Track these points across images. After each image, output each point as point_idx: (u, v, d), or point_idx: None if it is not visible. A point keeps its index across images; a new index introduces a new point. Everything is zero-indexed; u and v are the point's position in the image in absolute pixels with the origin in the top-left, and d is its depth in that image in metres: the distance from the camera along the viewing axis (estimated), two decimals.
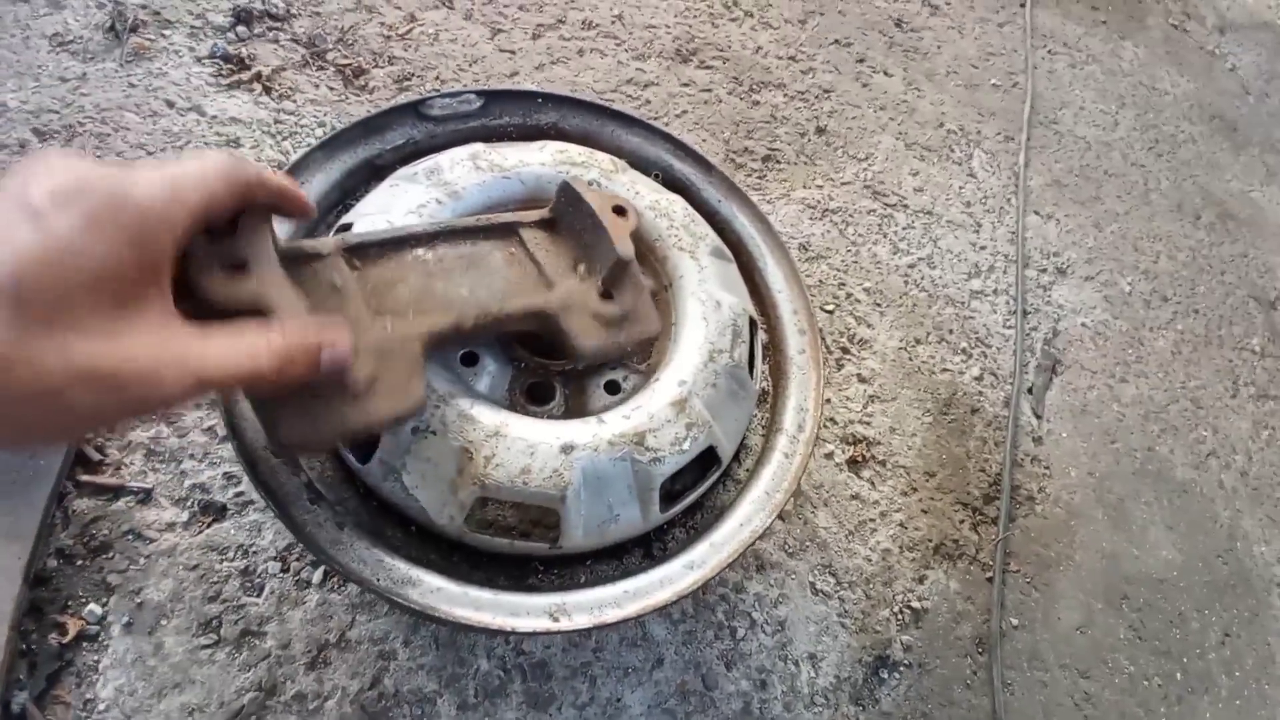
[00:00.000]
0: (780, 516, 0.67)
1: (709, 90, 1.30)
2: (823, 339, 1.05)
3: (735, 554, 0.62)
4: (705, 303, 0.69)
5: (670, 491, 0.63)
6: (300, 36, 1.08)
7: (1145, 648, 1.09)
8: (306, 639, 0.71)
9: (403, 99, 0.90)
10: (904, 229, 1.29)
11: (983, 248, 1.34)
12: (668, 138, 0.84)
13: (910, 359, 1.15)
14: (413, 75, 1.10)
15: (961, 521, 1.06)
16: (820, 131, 1.35)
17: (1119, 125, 1.74)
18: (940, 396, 1.14)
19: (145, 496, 0.73)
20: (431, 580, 0.55)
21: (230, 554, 0.72)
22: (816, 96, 1.40)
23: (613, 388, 0.66)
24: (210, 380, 0.33)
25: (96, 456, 0.72)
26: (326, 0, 1.13)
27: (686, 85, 1.29)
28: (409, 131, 0.76)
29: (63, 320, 0.28)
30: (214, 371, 0.33)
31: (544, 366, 0.65)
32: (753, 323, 0.73)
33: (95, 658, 0.66)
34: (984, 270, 1.31)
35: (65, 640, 0.65)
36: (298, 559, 0.74)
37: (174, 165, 0.35)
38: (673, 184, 0.83)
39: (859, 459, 1.03)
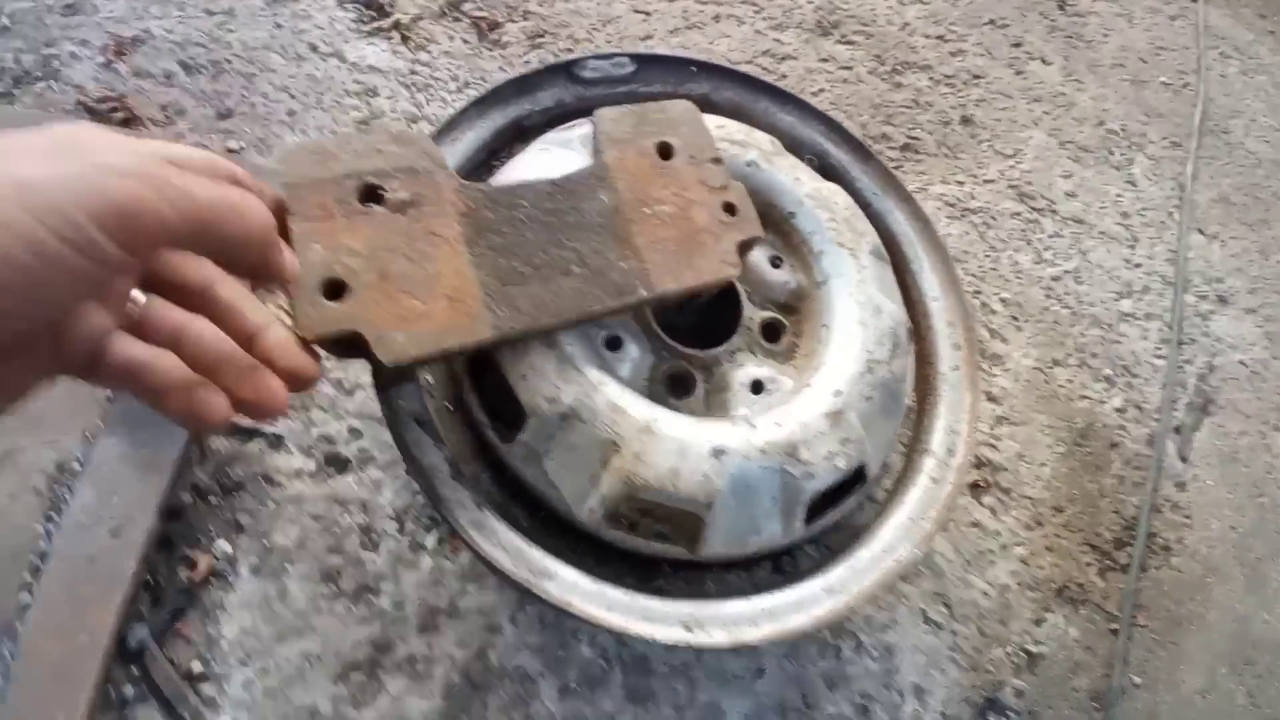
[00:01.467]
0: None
1: (849, 68, 1.21)
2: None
3: (879, 584, 0.58)
4: (864, 306, 0.63)
5: (810, 506, 0.59)
6: None
7: (1258, 715, 0.99)
8: (419, 602, 0.71)
9: (554, 60, 0.86)
10: (1050, 237, 1.17)
11: (1137, 265, 1.21)
12: (824, 118, 0.77)
13: (1046, 381, 1.05)
14: (545, 33, 1.06)
15: (1088, 564, 0.97)
16: (966, 121, 1.23)
17: None
18: (1076, 426, 1.04)
19: (276, 441, 0.74)
20: (567, 574, 0.53)
21: (351, 508, 0.73)
22: (965, 82, 1.28)
23: (758, 387, 0.61)
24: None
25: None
26: None
27: (825, 61, 1.20)
28: (559, 93, 0.72)
29: None
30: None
31: (686, 356, 0.61)
32: (909, 333, 0.66)
33: (223, 595, 0.67)
34: (1136, 290, 1.18)
35: (196, 576, 0.67)
36: (413, 521, 0.74)
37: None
38: (825, 169, 0.76)
39: (982, 484, 0.95)
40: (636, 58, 0.74)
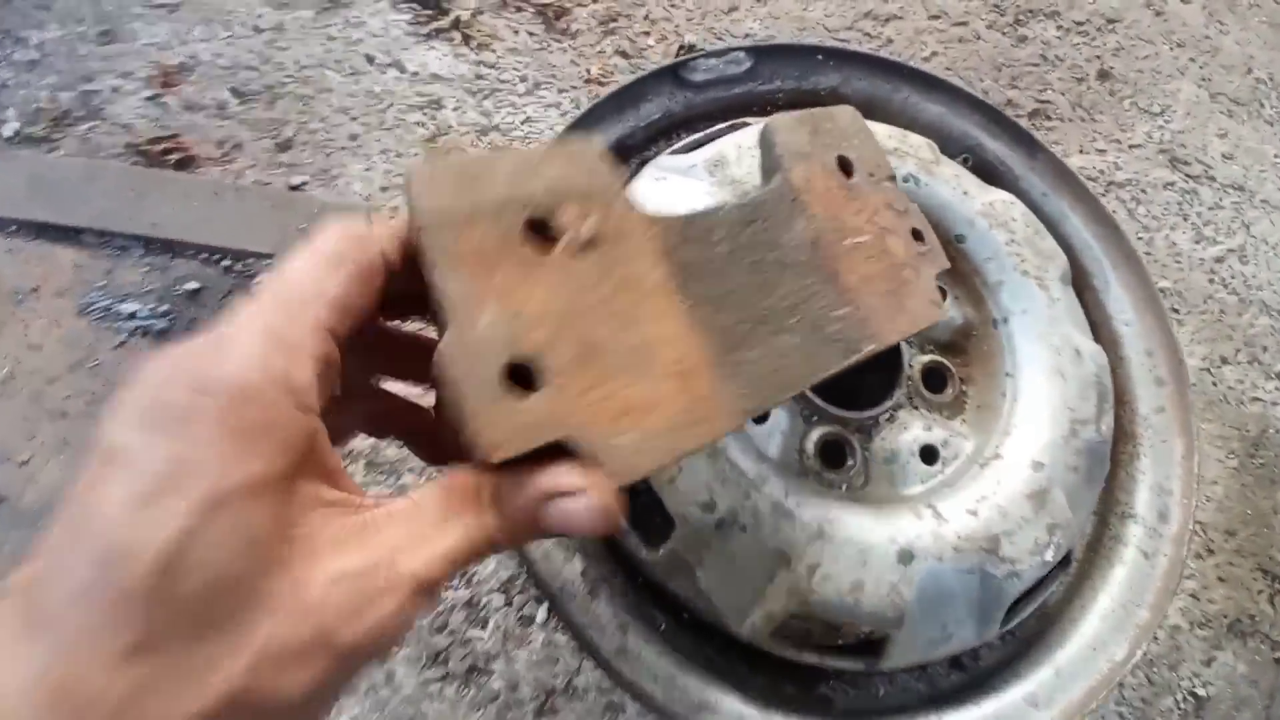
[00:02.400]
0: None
1: (963, 24, 1.04)
2: None
3: (1094, 695, 0.48)
4: (1060, 351, 0.52)
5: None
6: None
7: None
8: (534, 682, 0.65)
9: (659, 63, 0.74)
10: (1210, 210, 1.01)
11: None
12: (980, 105, 0.65)
13: (1214, 383, 0.91)
14: (619, 15, 0.93)
15: (1260, 592, 0.85)
16: (1103, 76, 1.06)
17: None
18: (1248, 434, 0.90)
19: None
20: (730, 705, 0.45)
21: (454, 581, 0.67)
22: (1099, 29, 1.09)
23: (930, 455, 0.51)
24: (436, 581, 0.23)
25: None
26: None
27: (935, 18, 1.03)
28: (665, 103, 0.61)
29: (182, 617, 0.19)
30: (436, 565, 0.23)
31: (838, 419, 0.52)
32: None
33: None
34: None
35: None
36: (520, 592, 0.68)
37: (271, 291, 0.24)
38: (982, 169, 0.64)
39: None
40: (753, 51, 0.62)
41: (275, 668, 0.20)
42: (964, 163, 0.63)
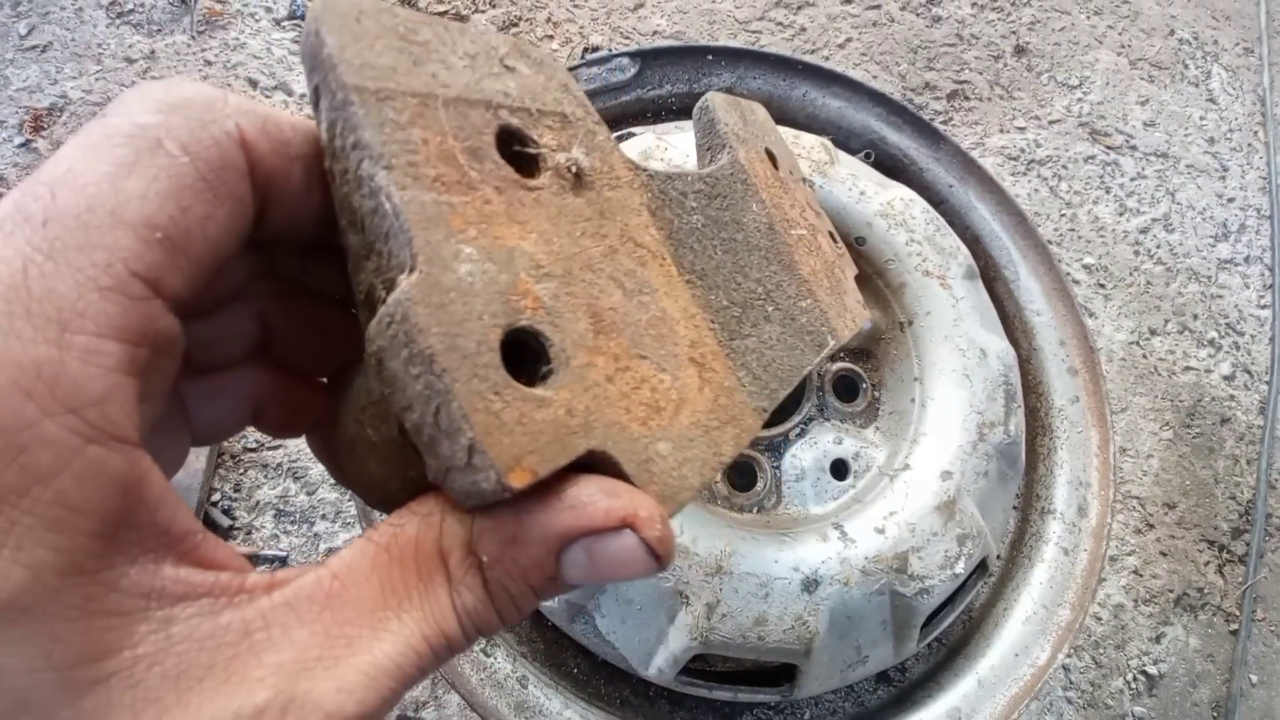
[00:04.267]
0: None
1: (876, 7, 1.02)
2: None
3: (1019, 702, 0.47)
4: (966, 352, 0.50)
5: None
6: None
7: None
8: None
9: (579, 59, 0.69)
10: (1133, 180, 1.01)
11: (1230, 200, 1.04)
12: (880, 98, 0.62)
13: (1144, 356, 0.92)
14: (519, 19, 0.90)
15: (1207, 564, 0.86)
16: (1020, 52, 1.05)
17: None
18: (1182, 404, 0.91)
19: (281, 565, 0.64)
20: None
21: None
22: (1013, 3, 1.09)
23: (840, 470, 0.50)
24: (371, 714, 0.15)
25: (225, 521, 0.64)
26: None
27: (849, 3, 1.02)
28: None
29: None
30: (373, 695, 0.15)
31: None
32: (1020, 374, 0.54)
33: None
34: (1233, 231, 1.02)
35: None
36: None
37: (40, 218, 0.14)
38: (885, 163, 0.62)
39: None
40: (638, 56, 0.59)
41: None
42: (866, 158, 0.61)
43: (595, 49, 0.88)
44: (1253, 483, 0.90)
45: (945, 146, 0.62)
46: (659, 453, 0.20)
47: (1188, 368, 0.93)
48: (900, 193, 0.55)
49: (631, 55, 0.59)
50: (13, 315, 0.12)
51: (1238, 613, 0.86)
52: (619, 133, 0.57)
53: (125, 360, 0.13)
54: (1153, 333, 0.93)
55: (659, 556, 0.17)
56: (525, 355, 0.18)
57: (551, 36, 0.89)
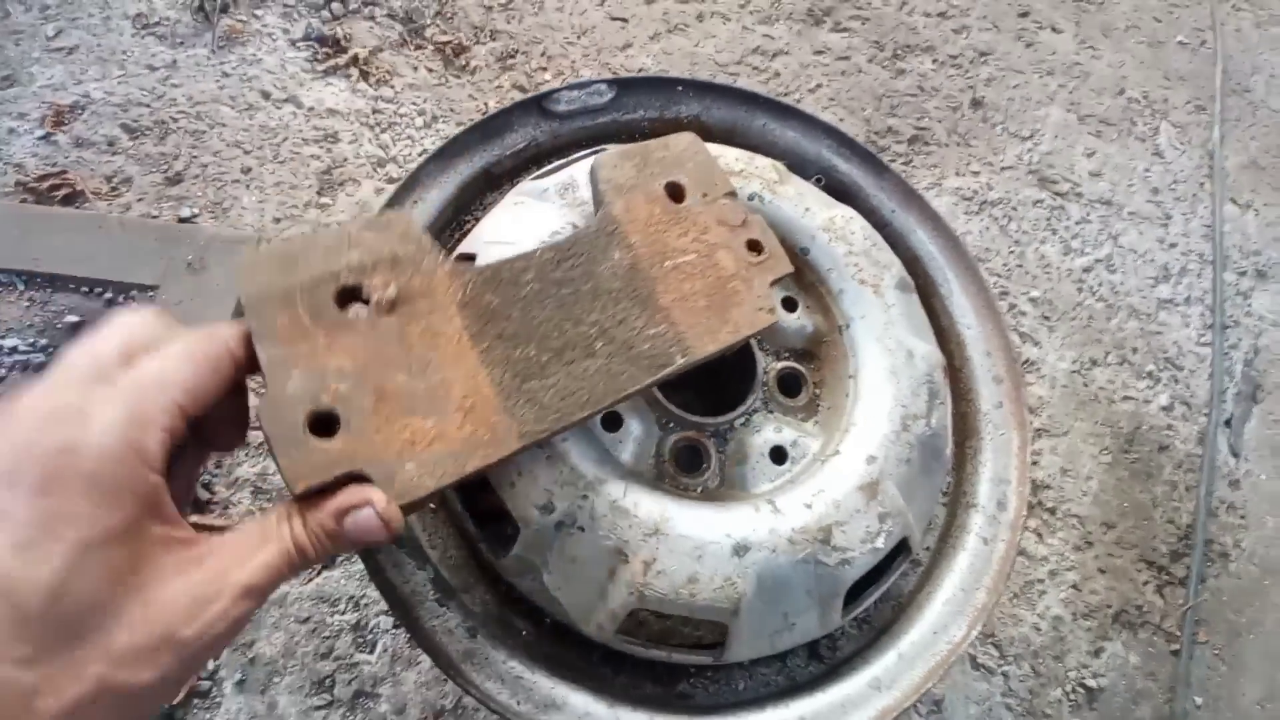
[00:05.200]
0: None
1: (846, 58, 1.12)
2: None
3: (934, 674, 0.51)
4: (894, 352, 0.56)
5: (849, 592, 0.52)
6: (397, 12, 0.97)
7: None
8: (422, 704, 0.65)
9: (520, 94, 0.78)
10: (1078, 224, 1.09)
11: (1173, 245, 1.12)
12: (831, 131, 0.69)
13: (1085, 385, 0.98)
14: (517, 52, 0.98)
15: (1145, 583, 0.90)
16: (976, 105, 1.14)
17: None
18: (1121, 431, 0.96)
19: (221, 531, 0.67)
20: (577, 701, 0.46)
21: (341, 606, 0.67)
22: (972, 61, 1.19)
23: (780, 455, 0.54)
24: (259, 586, 0.31)
25: (205, 495, 0.67)
26: None
27: (820, 53, 1.11)
28: (531, 132, 0.64)
29: (62, 632, 0.27)
30: (257, 574, 0.31)
31: (694, 424, 0.54)
32: (945, 375, 0.59)
33: (207, 716, 0.61)
34: (1174, 274, 1.10)
35: (176, 700, 0.61)
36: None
37: (132, 379, 0.31)
38: (836, 189, 0.68)
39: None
40: (615, 83, 0.66)
41: (131, 663, 0.27)
42: (817, 183, 0.68)
43: None
44: (1191, 508, 0.95)
45: (889, 176, 0.69)
46: (405, 470, 0.35)
47: (1127, 397, 0.99)
48: (842, 211, 0.61)
49: (609, 82, 0.66)
50: (130, 422, 0.29)
51: (1178, 633, 0.90)
52: (595, 149, 0.63)
53: (164, 441, 0.30)
54: (1094, 363, 0.99)
55: (387, 523, 0.33)
56: (331, 423, 0.35)
57: (544, 69, 0.97)
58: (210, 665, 0.64)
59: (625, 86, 0.66)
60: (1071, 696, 0.82)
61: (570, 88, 0.64)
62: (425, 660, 0.67)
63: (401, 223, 0.41)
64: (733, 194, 0.54)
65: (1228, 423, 1.03)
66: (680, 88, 0.68)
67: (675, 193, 0.52)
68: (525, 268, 0.44)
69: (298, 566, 0.33)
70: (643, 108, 0.67)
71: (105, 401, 0.29)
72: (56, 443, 0.28)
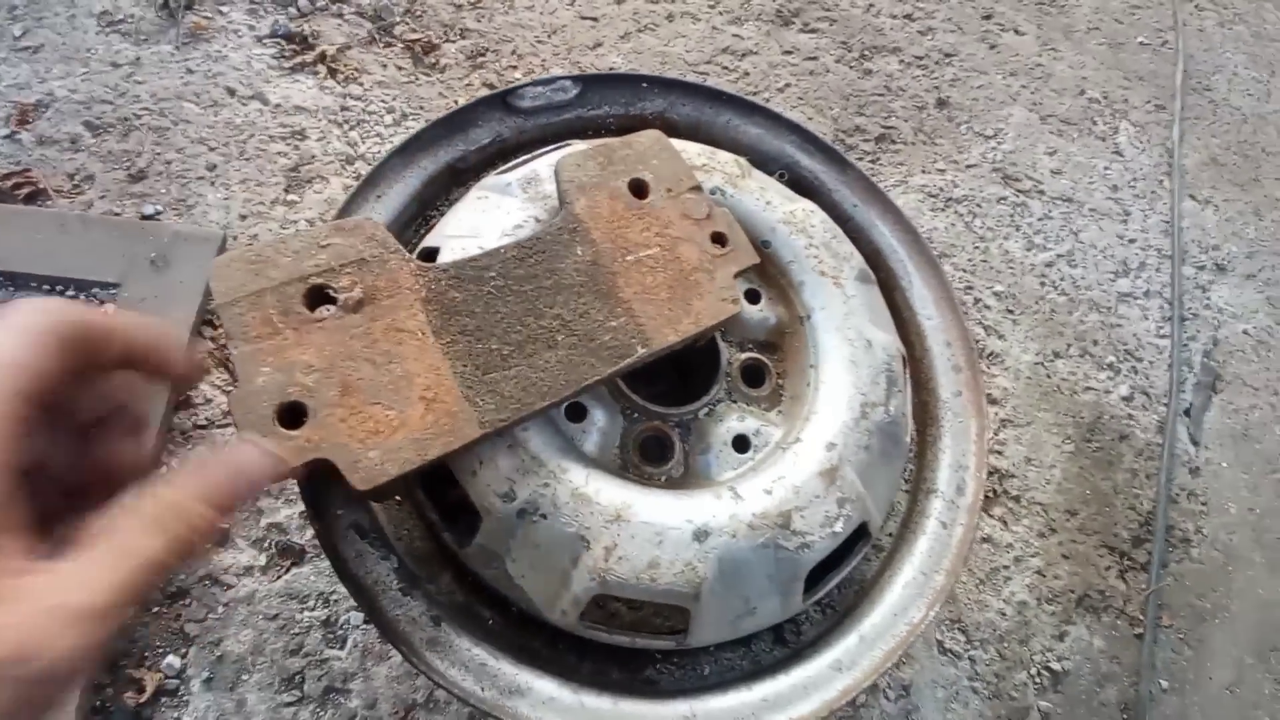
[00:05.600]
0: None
1: (814, 59, 1.14)
2: None
3: (893, 655, 0.52)
4: (854, 342, 0.57)
5: (811, 570, 0.53)
6: (365, 9, 0.97)
7: None
8: (393, 698, 0.65)
9: (488, 91, 0.79)
10: (1040, 220, 1.12)
11: (1131, 241, 1.15)
12: (794, 128, 0.71)
13: (1048, 376, 1.00)
14: (487, 50, 0.98)
15: (1108, 568, 0.92)
16: (942, 104, 1.17)
17: (1272, 96, 1.48)
18: (1083, 421, 0.99)
19: (222, 538, 0.67)
20: (542, 686, 0.47)
21: (311, 602, 0.66)
22: (937, 62, 1.21)
23: (742, 444, 0.55)
24: (106, 611, 0.26)
25: None
26: None
27: (789, 53, 1.13)
28: (496, 128, 0.65)
29: None
30: (100, 601, 0.26)
31: (659, 415, 0.55)
32: (904, 363, 0.60)
33: (175, 715, 0.61)
34: (1133, 268, 1.13)
35: (142, 699, 0.60)
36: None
37: None
38: (799, 184, 0.70)
39: (989, 494, 0.90)
40: (580, 79, 0.66)
41: None
42: (780, 178, 0.69)
43: None
44: (1152, 495, 0.98)
45: (851, 171, 0.70)
46: (368, 456, 0.37)
47: (1088, 388, 1.01)
48: (803, 205, 0.62)
49: (574, 79, 0.66)
50: None
51: (1141, 617, 0.92)
52: (560, 145, 0.64)
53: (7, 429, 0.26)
54: (1056, 355, 1.02)
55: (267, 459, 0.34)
56: (299, 414, 0.37)
57: (515, 67, 0.98)
58: (177, 664, 0.63)
59: (590, 83, 0.67)
60: (1037, 680, 0.84)
61: (535, 84, 0.65)
62: (396, 655, 0.67)
63: (368, 226, 0.43)
64: (697, 189, 0.55)
65: (1187, 412, 1.06)
66: (645, 84, 0.69)
67: (638, 189, 0.53)
68: (488, 265, 0.45)
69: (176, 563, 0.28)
70: (608, 104, 0.68)
71: None
72: None
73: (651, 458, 0.54)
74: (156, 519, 0.28)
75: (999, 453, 0.94)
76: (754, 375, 0.59)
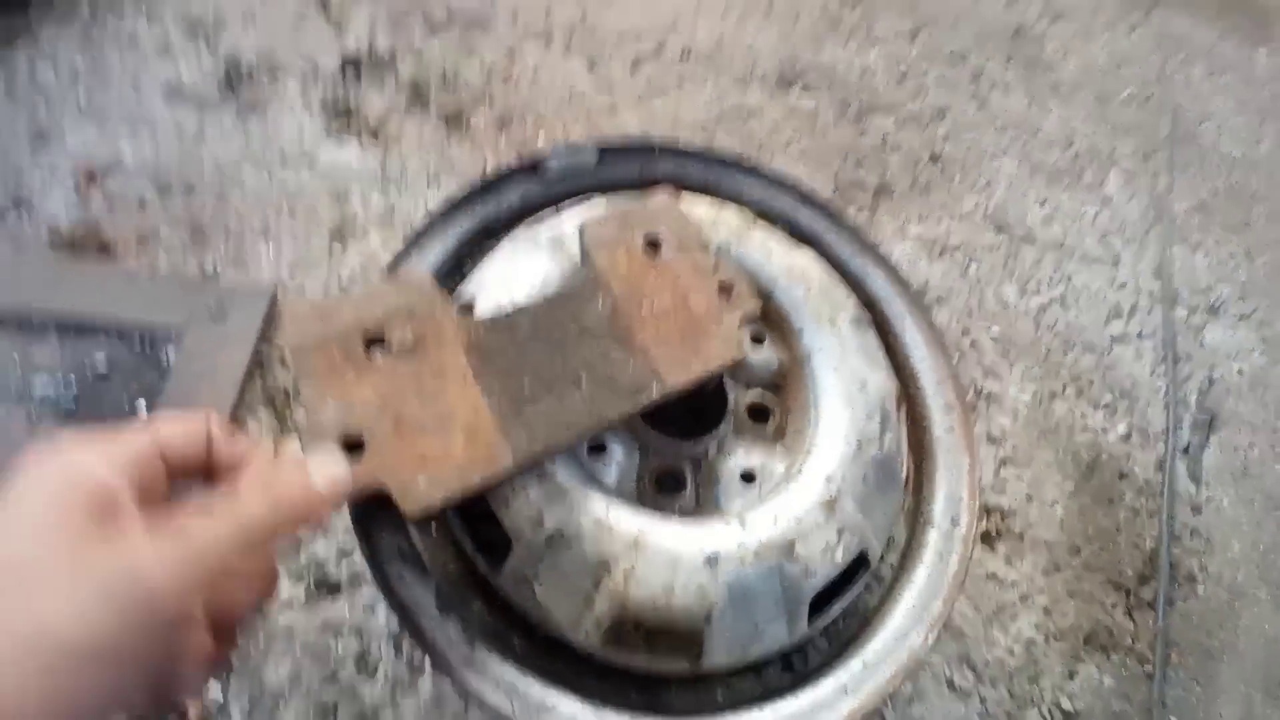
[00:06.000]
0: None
1: (814, 117, 1.22)
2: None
3: (896, 679, 0.55)
4: (849, 381, 0.62)
5: (814, 597, 0.57)
6: (404, 81, 1.07)
7: None
8: None
9: (516, 155, 0.86)
10: (1032, 265, 1.17)
11: (1123, 285, 1.20)
12: (794, 189, 0.77)
13: (1046, 416, 1.04)
14: (513, 116, 1.07)
15: (1114, 606, 0.94)
16: (935, 159, 1.24)
17: (1262, 141, 1.55)
18: (1082, 460, 1.02)
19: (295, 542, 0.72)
20: (566, 707, 0.50)
21: (345, 634, 0.70)
22: (930, 119, 1.29)
23: (749, 477, 0.60)
24: (204, 550, 0.32)
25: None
26: (429, 42, 1.12)
27: (791, 113, 1.21)
28: (525, 191, 0.72)
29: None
30: (207, 539, 0.32)
31: (674, 449, 0.60)
32: (899, 402, 0.65)
33: None
34: (1126, 311, 1.18)
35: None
36: (410, 642, 0.71)
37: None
38: (799, 236, 0.76)
39: (993, 532, 0.93)
40: (600, 150, 0.74)
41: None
42: (785, 228, 0.75)
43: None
44: (1155, 533, 1.00)
45: (845, 225, 0.77)
46: (417, 482, 0.42)
47: (1085, 428, 1.05)
48: (801, 255, 0.68)
49: (594, 148, 0.74)
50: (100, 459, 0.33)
51: (1150, 655, 0.93)
52: (584, 200, 0.70)
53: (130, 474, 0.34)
54: (1053, 396, 1.06)
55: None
56: (358, 444, 0.42)
57: (539, 130, 1.07)
58: (219, 694, 0.67)
59: (608, 152, 0.74)
60: (1049, 718, 0.85)
61: (559, 154, 0.72)
62: (425, 687, 0.70)
63: (416, 280, 0.49)
64: (705, 245, 0.61)
65: (1185, 450, 1.09)
66: (655, 151, 0.76)
67: (653, 245, 0.59)
68: (521, 316, 0.51)
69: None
70: (624, 168, 0.75)
71: (89, 445, 0.33)
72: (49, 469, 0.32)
73: (666, 490, 0.59)
74: (266, 490, 0.35)
75: (1001, 491, 0.97)
76: (759, 413, 0.64)
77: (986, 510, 0.95)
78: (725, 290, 0.60)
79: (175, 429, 0.37)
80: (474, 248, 0.71)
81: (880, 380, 0.63)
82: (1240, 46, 1.75)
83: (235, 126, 0.94)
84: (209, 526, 0.32)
